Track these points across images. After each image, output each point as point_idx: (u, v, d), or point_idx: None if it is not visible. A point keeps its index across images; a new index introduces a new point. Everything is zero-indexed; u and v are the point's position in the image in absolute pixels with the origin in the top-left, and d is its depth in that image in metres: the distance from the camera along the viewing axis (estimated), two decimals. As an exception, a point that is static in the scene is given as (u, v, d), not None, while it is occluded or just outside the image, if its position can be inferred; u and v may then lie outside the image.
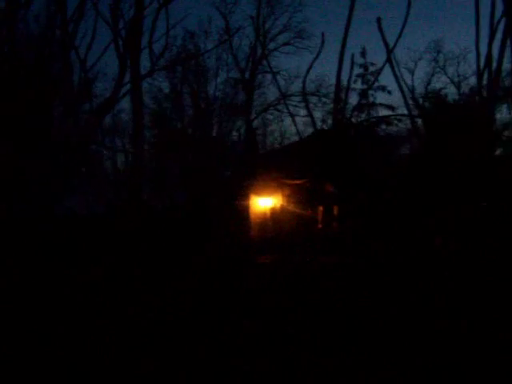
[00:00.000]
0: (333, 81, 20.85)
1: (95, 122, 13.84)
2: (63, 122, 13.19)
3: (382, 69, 17.35)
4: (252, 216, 19.03)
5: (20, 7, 13.29)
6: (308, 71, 17.93)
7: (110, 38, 13.67)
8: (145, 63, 15.93)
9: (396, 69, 16.05)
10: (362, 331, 7.56)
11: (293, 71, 19.56)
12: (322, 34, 18.34)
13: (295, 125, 24.46)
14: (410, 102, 17.64)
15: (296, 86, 19.82)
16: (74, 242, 12.58)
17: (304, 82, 17.44)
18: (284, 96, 19.82)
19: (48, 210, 13.03)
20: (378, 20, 16.01)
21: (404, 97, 15.89)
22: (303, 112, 19.55)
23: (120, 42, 14.12)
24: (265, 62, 19.42)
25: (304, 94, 18.99)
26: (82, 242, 12.55)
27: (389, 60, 15.94)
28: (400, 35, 15.97)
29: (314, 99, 19.69)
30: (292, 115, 19.98)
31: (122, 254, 12.22)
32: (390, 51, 15.86)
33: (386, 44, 15.82)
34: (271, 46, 19.72)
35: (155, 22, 14.04)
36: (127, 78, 14.19)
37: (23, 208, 12.87)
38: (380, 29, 15.86)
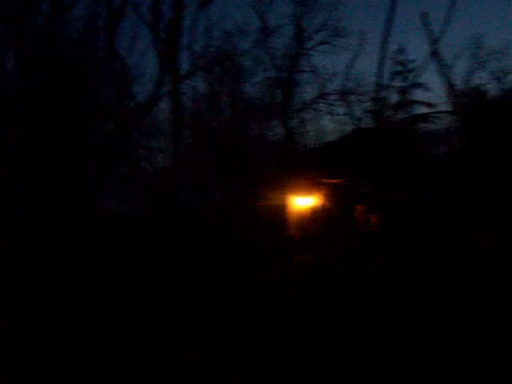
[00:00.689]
0: (368, 79, 20.70)
1: (135, 123, 13.99)
2: (104, 122, 13.40)
3: (422, 65, 17.12)
4: (290, 215, 18.95)
5: (64, 10, 13.55)
6: (348, 69, 18.03)
7: (150, 40, 13.85)
8: (183, 65, 15.93)
9: (439, 64, 15.79)
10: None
11: (330, 70, 19.31)
12: (363, 33, 18.37)
13: (332, 124, 24.38)
14: (451, 98, 17.33)
15: (333, 85, 19.65)
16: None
17: (346, 80, 17.56)
18: (321, 95, 19.71)
19: (89, 211, 13.24)
20: (423, 15, 15.79)
21: (450, 94, 15.58)
22: (340, 110, 19.36)
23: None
24: (301, 61, 19.33)
25: (342, 93, 18.89)
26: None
27: (434, 55, 15.68)
28: (444, 29, 15.68)
29: (350, 97, 19.48)
30: (329, 114, 19.90)
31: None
32: (435, 45, 15.56)
33: (432, 38, 15.56)
34: (308, 44, 19.59)
35: (195, 23, 14.21)
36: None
37: (65, 208, 13.09)
38: (425, 23, 15.61)
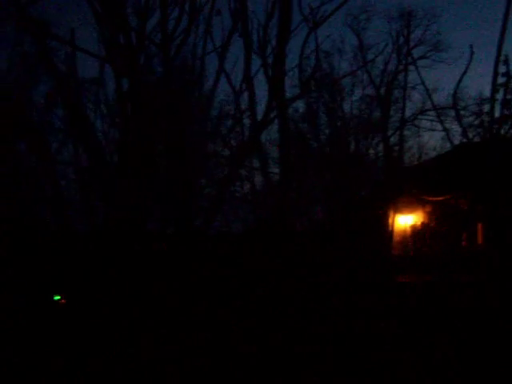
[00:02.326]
0: (471, 92, 20.17)
1: (248, 147, 14.44)
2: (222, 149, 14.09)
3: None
4: (391, 234, 18.68)
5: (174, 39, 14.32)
6: (458, 84, 17.87)
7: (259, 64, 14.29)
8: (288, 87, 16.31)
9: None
10: None
11: (430, 84, 18.91)
12: (471, 47, 18.04)
13: (434, 140, 23.96)
14: None
15: (434, 100, 19.21)
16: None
17: (454, 96, 17.29)
18: (422, 110, 19.38)
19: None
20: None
21: None
22: (442, 126, 18.91)
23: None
24: (400, 77, 19.10)
25: (444, 108, 18.51)
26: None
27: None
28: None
29: (452, 112, 18.99)
30: (431, 130, 19.49)
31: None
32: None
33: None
34: (406, 60, 19.31)
35: (304, 46, 14.53)
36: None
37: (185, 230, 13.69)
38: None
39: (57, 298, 14.19)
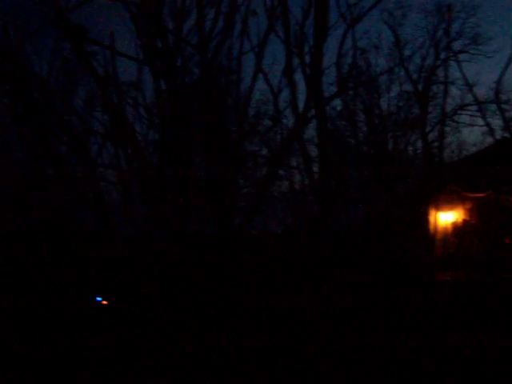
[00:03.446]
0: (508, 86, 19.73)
1: (286, 148, 14.42)
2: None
3: None
4: (432, 231, 18.41)
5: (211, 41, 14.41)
6: (500, 77, 17.50)
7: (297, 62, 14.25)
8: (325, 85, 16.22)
9: None
10: None
11: (470, 79, 18.51)
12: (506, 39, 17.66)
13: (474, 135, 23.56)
14: None
15: (472, 95, 18.83)
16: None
17: (496, 89, 16.99)
18: (461, 106, 19.02)
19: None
20: None
21: None
22: (482, 121, 18.54)
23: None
24: (439, 72, 18.76)
25: (484, 103, 18.15)
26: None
27: None
28: None
29: (493, 107, 18.60)
30: (470, 125, 19.14)
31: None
32: None
33: None
34: (444, 55, 18.98)
35: (342, 44, 14.42)
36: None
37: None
38: None
39: (99, 298, 14.43)
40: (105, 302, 14.38)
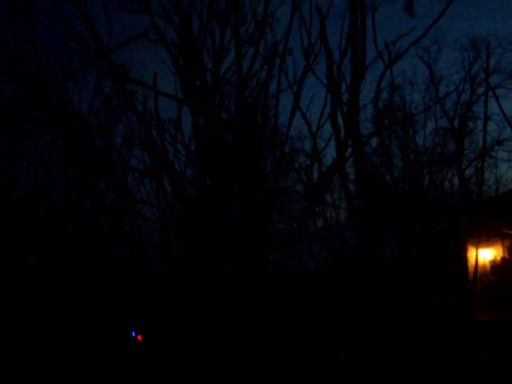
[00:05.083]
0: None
1: (324, 185, 14.49)
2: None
3: None
4: (470, 269, 18.16)
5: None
6: None
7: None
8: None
9: None
10: None
11: (507, 114, 18.40)
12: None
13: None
14: None
15: (510, 129, 18.67)
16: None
17: None
18: (498, 141, 18.90)
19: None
20: None
21: None
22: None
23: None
24: (475, 108, 18.73)
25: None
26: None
27: None
28: None
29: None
30: (508, 160, 18.97)
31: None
32: None
33: None
34: (480, 90, 18.96)
35: (380, 82, 14.54)
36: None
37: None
38: None
39: (134, 334, 14.48)
40: (140, 337, 14.43)
